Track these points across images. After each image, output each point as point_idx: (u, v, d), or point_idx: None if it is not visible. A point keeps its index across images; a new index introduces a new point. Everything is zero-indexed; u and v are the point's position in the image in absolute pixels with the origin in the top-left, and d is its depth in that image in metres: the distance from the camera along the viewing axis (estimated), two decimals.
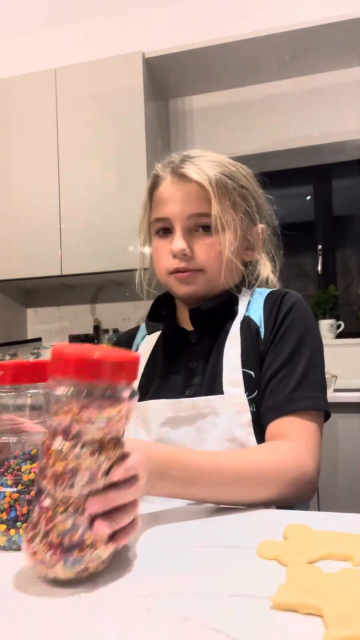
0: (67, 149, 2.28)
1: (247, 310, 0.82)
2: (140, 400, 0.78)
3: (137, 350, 0.90)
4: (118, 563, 0.46)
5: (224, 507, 0.61)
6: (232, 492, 0.60)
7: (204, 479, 0.59)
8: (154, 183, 0.84)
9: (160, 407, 0.76)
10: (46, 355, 2.26)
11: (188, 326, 0.86)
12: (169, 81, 2.42)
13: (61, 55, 2.54)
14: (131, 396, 0.43)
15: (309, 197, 2.63)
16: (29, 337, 2.66)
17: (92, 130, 2.26)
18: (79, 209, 2.25)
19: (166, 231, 0.82)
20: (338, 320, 2.35)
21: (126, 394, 0.42)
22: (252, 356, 0.76)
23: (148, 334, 0.88)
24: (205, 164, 0.79)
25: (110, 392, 0.41)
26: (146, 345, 0.88)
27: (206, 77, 2.41)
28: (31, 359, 2.16)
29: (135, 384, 0.45)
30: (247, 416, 0.72)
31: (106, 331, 2.51)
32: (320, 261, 2.50)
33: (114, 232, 2.20)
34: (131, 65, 2.22)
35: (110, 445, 0.43)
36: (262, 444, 0.71)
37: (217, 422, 0.73)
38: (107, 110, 2.25)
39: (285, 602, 0.37)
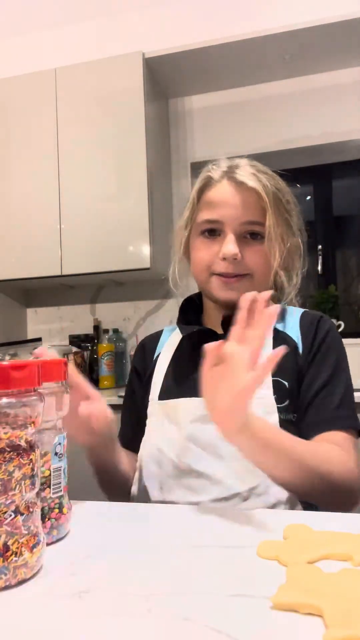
0: (67, 149, 2.28)
1: (281, 324, 0.86)
2: (168, 398, 0.82)
3: (160, 350, 0.92)
4: (118, 563, 0.46)
5: (224, 507, 0.61)
6: (304, 474, 0.67)
7: (284, 452, 0.65)
8: (206, 184, 0.85)
9: (191, 405, 0.78)
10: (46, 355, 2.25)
11: (216, 327, 0.87)
12: (169, 81, 2.42)
13: (61, 55, 2.54)
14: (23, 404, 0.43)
15: (309, 197, 2.63)
16: (29, 337, 2.66)
17: (92, 130, 2.26)
18: (79, 209, 2.25)
19: (212, 232, 0.83)
20: (338, 320, 2.35)
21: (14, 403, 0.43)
22: (287, 367, 0.78)
23: (183, 334, 0.88)
24: (260, 174, 0.82)
25: None
26: (170, 345, 0.91)
27: (206, 77, 2.41)
28: (31, 359, 2.16)
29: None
30: (275, 418, 0.75)
31: (106, 331, 2.51)
32: (320, 261, 2.50)
33: (114, 232, 2.20)
34: (131, 65, 2.22)
35: (15, 454, 0.43)
36: (330, 447, 0.74)
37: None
38: (107, 110, 2.25)
39: (285, 602, 0.37)
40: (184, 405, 0.79)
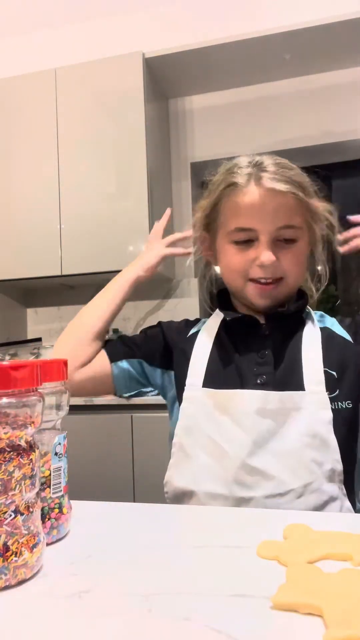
0: (67, 149, 2.28)
1: (320, 322, 0.86)
2: (215, 386, 0.80)
3: (196, 335, 0.89)
4: (118, 563, 0.46)
5: (223, 507, 0.61)
6: None
7: None
8: (232, 189, 0.80)
9: (246, 398, 0.76)
10: (46, 355, 2.26)
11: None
12: (169, 81, 2.42)
13: (61, 55, 2.54)
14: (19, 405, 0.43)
15: None
16: (29, 337, 2.66)
17: (92, 130, 2.26)
18: (79, 209, 2.25)
19: (246, 241, 0.81)
20: None
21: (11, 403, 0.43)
22: (334, 358, 0.80)
23: (228, 319, 0.86)
24: (287, 171, 0.80)
25: None
26: (209, 329, 0.89)
27: (206, 77, 2.41)
28: (31, 359, 2.16)
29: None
30: (329, 414, 0.75)
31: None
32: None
33: (114, 232, 2.20)
34: (131, 65, 2.23)
35: (15, 454, 0.43)
36: None
37: (299, 417, 0.74)
38: (107, 110, 2.25)
39: (285, 602, 0.37)
40: (240, 397, 0.77)
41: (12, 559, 0.42)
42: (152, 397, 1.84)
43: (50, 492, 0.52)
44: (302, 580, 0.40)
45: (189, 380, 0.83)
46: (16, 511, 0.43)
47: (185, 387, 0.82)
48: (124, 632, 0.35)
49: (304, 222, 0.81)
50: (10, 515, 0.42)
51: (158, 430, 1.82)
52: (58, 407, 0.55)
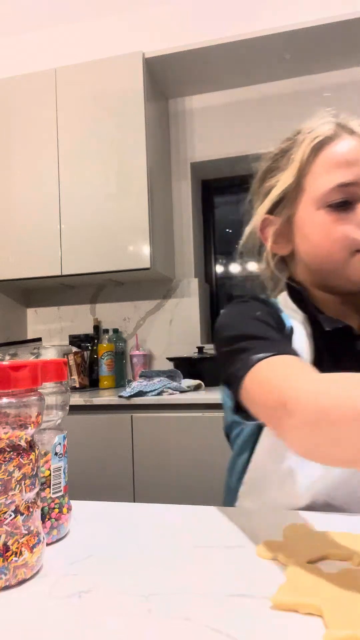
0: (67, 148, 2.28)
1: None
2: None
3: (291, 334, 0.71)
4: (118, 563, 0.46)
5: (223, 507, 0.61)
6: None
7: None
8: (322, 143, 0.70)
9: None
10: (46, 355, 2.26)
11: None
12: (169, 81, 2.42)
13: (61, 55, 2.54)
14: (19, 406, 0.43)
15: None
16: (29, 337, 2.66)
17: (92, 130, 2.26)
18: (79, 209, 2.25)
19: (344, 203, 0.67)
20: None
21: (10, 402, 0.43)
22: None
23: (329, 330, 0.69)
24: None
25: None
26: (300, 335, 0.71)
27: (206, 77, 2.41)
28: (31, 359, 2.16)
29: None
30: None
31: (106, 331, 2.51)
32: None
33: (114, 232, 2.20)
34: (131, 65, 2.23)
35: (15, 454, 0.43)
36: None
37: None
38: (107, 110, 2.25)
39: (285, 602, 0.37)
40: None
41: (12, 559, 0.42)
42: (152, 397, 1.84)
43: (50, 492, 0.52)
44: (302, 580, 0.40)
45: None
46: (16, 511, 0.43)
47: None
48: (124, 632, 0.35)
49: None
50: (10, 515, 0.42)
51: (158, 430, 1.82)
52: (58, 407, 0.55)
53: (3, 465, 0.42)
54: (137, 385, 1.91)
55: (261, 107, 2.46)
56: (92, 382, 2.40)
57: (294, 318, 0.73)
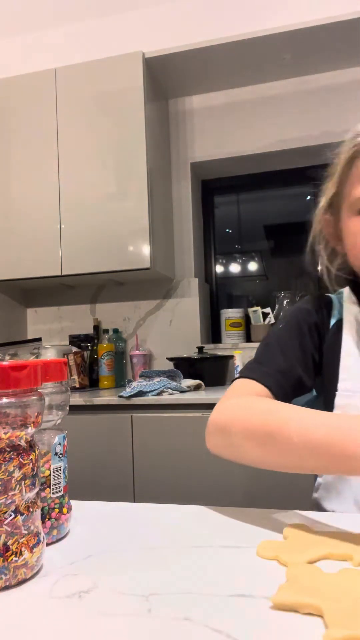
0: (67, 148, 2.28)
1: None
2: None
3: (339, 330, 0.78)
4: (118, 563, 0.46)
5: (223, 507, 0.61)
6: None
7: None
8: (357, 152, 0.74)
9: None
10: (46, 355, 2.26)
11: None
12: (169, 81, 2.42)
13: (61, 55, 2.54)
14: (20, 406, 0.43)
15: (309, 197, 2.63)
16: (29, 337, 2.66)
17: (92, 130, 2.26)
18: (79, 209, 2.25)
19: None
20: None
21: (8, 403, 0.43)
22: None
23: None
24: None
25: None
26: (351, 328, 0.77)
27: (206, 77, 2.41)
28: (31, 359, 2.16)
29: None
30: None
31: (106, 331, 2.51)
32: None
33: (114, 232, 2.20)
34: (131, 65, 2.23)
35: (15, 454, 0.43)
36: None
37: None
38: (107, 110, 2.25)
39: (285, 602, 0.37)
40: None
41: (12, 559, 0.42)
42: (152, 397, 1.84)
43: (50, 492, 0.52)
44: (302, 580, 0.40)
45: (342, 385, 0.73)
46: (16, 511, 0.43)
47: (337, 393, 0.73)
48: (124, 632, 0.35)
49: None
50: (10, 515, 0.42)
51: (158, 430, 1.82)
52: (58, 407, 0.55)
53: (3, 465, 0.42)
54: (137, 385, 1.90)
55: (261, 107, 2.46)
56: (92, 382, 2.40)
57: (350, 310, 0.79)
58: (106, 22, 2.57)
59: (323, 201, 0.79)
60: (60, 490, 0.54)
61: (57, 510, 0.53)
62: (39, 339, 2.41)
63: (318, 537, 0.49)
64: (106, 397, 1.92)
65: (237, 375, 0.76)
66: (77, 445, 1.85)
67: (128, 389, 1.89)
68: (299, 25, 2.07)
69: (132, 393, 1.85)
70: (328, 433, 0.53)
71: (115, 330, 2.51)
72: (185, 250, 2.55)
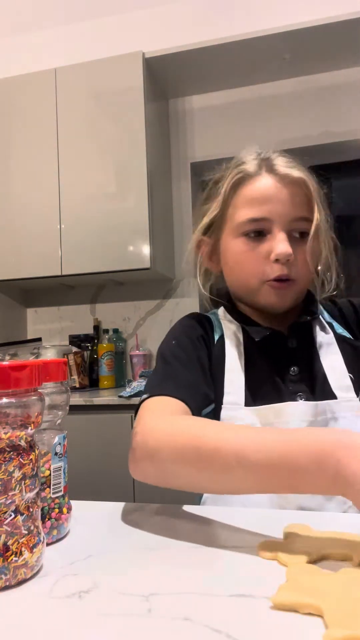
0: (67, 148, 2.28)
1: (325, 318, 0.84)
2: (260, 404, 0.74)
3: (222, 344, 0.81)
4: (118, 563, 0.46)
5: (223, 507, 0.61)
6: None
7: None
8: (242, 179, 0.76)
9: (298, 410, 0.73)
10: (46, 355, 2.26)
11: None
12: (169, 81, 2.42)
13: (61, 55, 2.54)
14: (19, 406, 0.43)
15: None
16: (29, 337, 2.66)
17: (92, 130, 2.27)
18: (79, 209, 2.25)
19: (258, 234, 0.75)
20: None
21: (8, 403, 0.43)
22: (351, 361, 0.78)
23: (257, 339, 0.78)
24: (297, 164, 0.77)
25: None
26: (232, 341, 0.81)
27: (206, 77, 2.41)
28: (31, 359, 2.16)
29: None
30: None
31: (106, 331, 2.51)
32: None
33: (114, 232, 2.20)
34: (131, 65, 2.23)
35: (15, 454, 0.43)
36: None
37: (337, 425, 0.72)
38: (107, 110, 2.25)
39: (285, 602, 0.37)
40: (291, 409, 0.73)
41: (12, 559, 0.42)
42: None
43: (50, 492, 0.52)
44: (302, 580, 0.40)
45: (227, 399, 0.75)
46: (16, 511, 0.43)
47: (223, 406, 0.75)
48: (124, 632, 0.35)
49: (323, 219, 0.76)
50: (10, 515, 0.42)
51: None
52: (58, 407, 0.55)
53: (3, 465, 0.42)
54: (137, 385, 1.90)
55: (261, 107, 2.46)
56: (92, 382, 2.40)
57: (228, 327, 0.83)
58: (106, 22, 2.57)
59: (204, 220, 0.82)
60: (60, 490, 0.54)
61: (57, 510, 0.53)
62: (39, 339, 2.41)
63: (318, 537, 0.49)
64: (106, 397, 1.92)
65: (144, 396, 0.71)
66: (77, 445, 1.85)
67: (128, 389, 1.89)
68: (298, 25, 2.07)
69: (132, 393, 1.85)
70: (274, 447, 0.49)
71: (115, 330, 2.51)
72: (185, 250, 2.54)
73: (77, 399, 1.92)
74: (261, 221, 0.74)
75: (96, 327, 2.54)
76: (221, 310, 0.87)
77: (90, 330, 2.55)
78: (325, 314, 0.86)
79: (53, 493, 0.52)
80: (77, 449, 1.84)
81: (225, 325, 0.84)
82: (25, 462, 0.43)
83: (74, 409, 1.87)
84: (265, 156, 0.78)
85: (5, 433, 0.42)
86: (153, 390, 0.71)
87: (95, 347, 2.42)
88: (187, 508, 0.62)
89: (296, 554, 0.45)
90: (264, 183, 0.75)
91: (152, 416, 0.66)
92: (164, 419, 0.63)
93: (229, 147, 2.48)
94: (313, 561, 0.44)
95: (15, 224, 2.32)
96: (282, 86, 2.44)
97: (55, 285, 2.58)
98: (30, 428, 0.44)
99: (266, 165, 0.76)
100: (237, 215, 0.76)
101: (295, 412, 0.73)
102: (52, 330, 2.66)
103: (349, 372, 0.76)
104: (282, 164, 0.76)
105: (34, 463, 0.45)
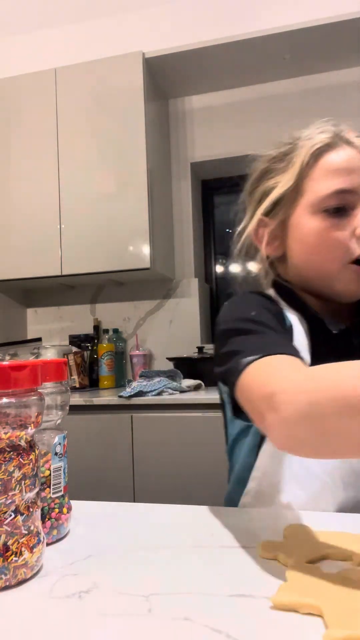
0: (67, 149, 2.28)
1: None
2: None
3: (289, 330, 0.72)
4: (118, 563, 0.46)
5: (223, 508, 0.61)
6: None
7: None
8: (323, 149, 0.70)
9: None
10: (46, 355, 2.26)
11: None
12: (169, 81, 2.42)
13: (61, 55, 2.54)
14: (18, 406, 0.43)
15: None
16: (29, 337, 2.66)
17: (92, 130, 2.26)
18: (79, 209, 2.25)
19: (338, 210, 0.69)
20: None
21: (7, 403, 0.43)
22: None
23: (335, 332, 0.71)
24: None
25: None
26: (298, 332, 0.72)
27: (206, 77, 2.41)
28: (31, 359, 2.16)
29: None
30: None
31: (106, 331, 2.51)
32: None
33: (114, 232, 2.20)
34: (131, 65, 2.23)
35: (15, 454, 0.43)
36: None
37: None
38: (107, 110, 2.25)
39: (285, 602, 0.37)
40: None
41: (12, 559, 0.42)
42: (152, 397, 1.84)
43: (50, 492, 0.52)
44: (302, 580, 0.40)
45: None
46: (16, 511, 0.43)
47: None
48: (124, 632, 0.35)
49: None
50: (10, 515, 0.42)
51: (158, 430, 1.82)
52: (58, 407, 0.55)
53: (3, 465, 0.42)
54: (137, 385, 1.91)
55: (261, 107, 2.46)
56: (92, 382, 2.40)
57: (290, 316, 0.74)
58: (106, 22, 2.57)
59: (272, 195, 0.73)
60: (60, 490, 0.54)
61: (57, 510, 0.53)
62: (39, 339, 2.41)
63: (318, 537, 0.49)
64: (106, 397, 1.92)
65: (248, 359, 0.56)
66: (77, 445, 1.85)
67: (128, 389, 1.89)
68: (299, 25, 2.07)
69: (132, 393, 1.85)
70: None
71: (115, 330, 2.51)
72: (185, 250, 2.55)
73: (77, 399, 1.92)
74: (347, 193, 0.68)
75: (96, 327, 2.54)
76: (272, 292, 0.79)
77: (90, 330, 2.55)
78: None
79: (53, 493, 0.52)
80: (77, 449, 1.84)
81: (291, 317, 0.74)
82: (25, 462, 0.43)
83: (74, 409, 1.87)
84: (338, 130, 0.73)
85: (5, 433, 0.42)
86: (253, 352, 0.57)
87: (95, 347, 2.42)
88: (187, 508, 0.62)
89: (296, 554, 0.45)
90: (347, 154, 0.69)
91: (283, 373, 0.52)
92: (302, 373, 0.50)
93: (229, 147, 2.48)
94: (313, 561, 0.44)
95: (15, 224, 2.32)
96: (282, 86, 2.44)
97: (55, 285, 2.58)
98: (30, 428, 0.44)
99: (342, 138, 0.71)
100: (317, 189, 0.69)
101: None
102: (52, 330, 2.66)
103: None
104: (355, 137, 0.71)
105: (34, 463, 0.45)
